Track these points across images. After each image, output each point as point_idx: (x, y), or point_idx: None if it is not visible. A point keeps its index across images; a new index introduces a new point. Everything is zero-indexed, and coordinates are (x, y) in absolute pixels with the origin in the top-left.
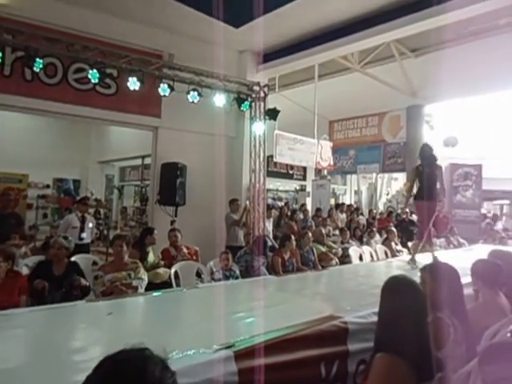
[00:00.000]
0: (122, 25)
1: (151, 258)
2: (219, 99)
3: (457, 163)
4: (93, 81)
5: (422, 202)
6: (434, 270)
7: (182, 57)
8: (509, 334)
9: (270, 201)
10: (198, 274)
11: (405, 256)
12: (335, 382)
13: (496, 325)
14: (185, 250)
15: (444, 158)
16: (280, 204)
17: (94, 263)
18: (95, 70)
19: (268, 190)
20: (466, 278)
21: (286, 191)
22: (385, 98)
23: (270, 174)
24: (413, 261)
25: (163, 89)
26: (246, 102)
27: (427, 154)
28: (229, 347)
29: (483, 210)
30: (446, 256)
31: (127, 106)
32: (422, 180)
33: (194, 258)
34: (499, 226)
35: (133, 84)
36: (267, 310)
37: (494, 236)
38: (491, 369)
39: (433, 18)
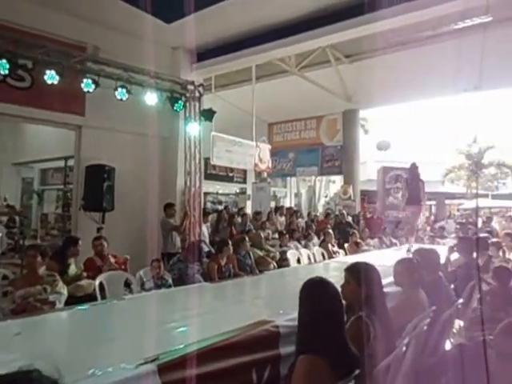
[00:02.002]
0: (38, 12)
1: (73, 269)
2: (151, 97)
3: (388, 166)
4: (1, 72)
5: (411, 207)
6: (355, 270)
7: (109, 50)
8: (425, 327)
9: (209, 204)
10: (128, 285)
11: (341, 257)
12: None
13: (416, 319)
14: (112, 260)
15: (377, 161)
16: (220, 207)
17: (5, 277)
18: (4, 60)
19: (207, 194)
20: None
21: (227, 194)
22: (322, 101)
23: (209, 176)
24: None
25: (87, 84)
26: (179, 102)
27: (414, 172)
28: (152, 361)
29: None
30: (378, 256)
31: (45, 101)
32: (411, 191)
33: (123, 267)
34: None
35: (51, 78)
36: (199, 318)
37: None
38: None
39: (364, 26)
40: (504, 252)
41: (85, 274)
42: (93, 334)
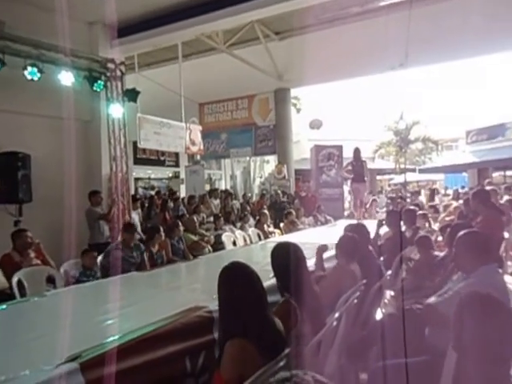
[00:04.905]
0: None
1: None
2: (66, 77)
3: (321, 145)
4: None
5: (356, 184)
6: (276, 251)
7: (16, 25)
8: (356, 300)
9: (140, 190)
10: (52, 280)
11: (277, 237)
12: (203, 373)
13: (349, 291)
14: (32, 254)
15: (310, 139)
16: (152, 193)
17: None
18: None
19: (139, 179)
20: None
21: (160, 179)
22: (253, 80)
23: (139, 161)
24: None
25: None
26: (99, 82)
27: (357, 154)
28: (74, 359)
29: (346, 188)
30: (312, 233)
31: None
32: (355, 170)
33: (41, 257)
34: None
35: None
36: (129, 309)
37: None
38: None
39: (291, 1)
40: (430, 223)
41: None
42: (8, 336)
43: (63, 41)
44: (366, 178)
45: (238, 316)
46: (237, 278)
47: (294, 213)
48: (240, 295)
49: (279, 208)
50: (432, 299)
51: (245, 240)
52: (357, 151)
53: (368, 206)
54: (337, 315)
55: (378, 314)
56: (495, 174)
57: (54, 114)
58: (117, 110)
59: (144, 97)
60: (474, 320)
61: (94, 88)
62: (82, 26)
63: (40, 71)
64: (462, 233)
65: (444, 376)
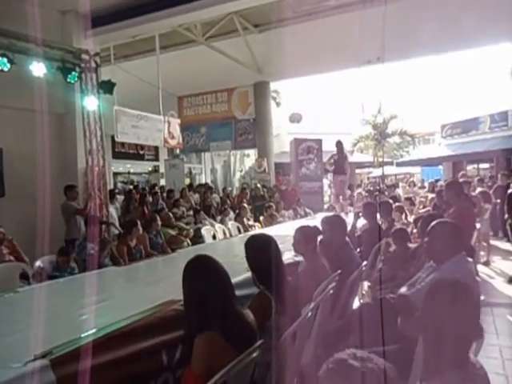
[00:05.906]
0: None
1: None
2: (38, 68)
3: (300, 138)
4: None
5: (337, 177)
6: (250, 244)
7: None
8: (331, 291)
9: (120, 185)
10: (26, 276)
11: (257, 230)
12: (179, 367)
13: (323, 284)
14: (4, 251)
15: (290, 133)
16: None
17: None
18: None
19: (118, 174)
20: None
21: (139, 173)
22: (232, 73)
23: (118, 155)
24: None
25: None
26: (73, 73)
27: (340, 147)
28: (44, 356)
29: (326, 181)
30: (291, 226)
31: None
32: (336, 163)
33: (15, 254)
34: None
35: None
36: (104, 304)
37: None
38: None
39: None
40: (406, 216)
41: None
42: None
43: (35, 30)
44: (346, 172)
45: (202, 309)
46: (201, 271)
47: (273, 206)
48: (204, 288)
49: (259, 201)
50: (403, 289)
51: (224, 233)
52: (339, 144)
53: (356, 199)
54: (312, 306)
55: (356, 304)
56: (469, 167)
57: (27, 106)
58: (92, 103)
59: (122, 90)
60: (442, 303)
61: (68, 80)
62: (54, 14)
63: (10, 62)
64: (434, 223)
65: (415, 362)
